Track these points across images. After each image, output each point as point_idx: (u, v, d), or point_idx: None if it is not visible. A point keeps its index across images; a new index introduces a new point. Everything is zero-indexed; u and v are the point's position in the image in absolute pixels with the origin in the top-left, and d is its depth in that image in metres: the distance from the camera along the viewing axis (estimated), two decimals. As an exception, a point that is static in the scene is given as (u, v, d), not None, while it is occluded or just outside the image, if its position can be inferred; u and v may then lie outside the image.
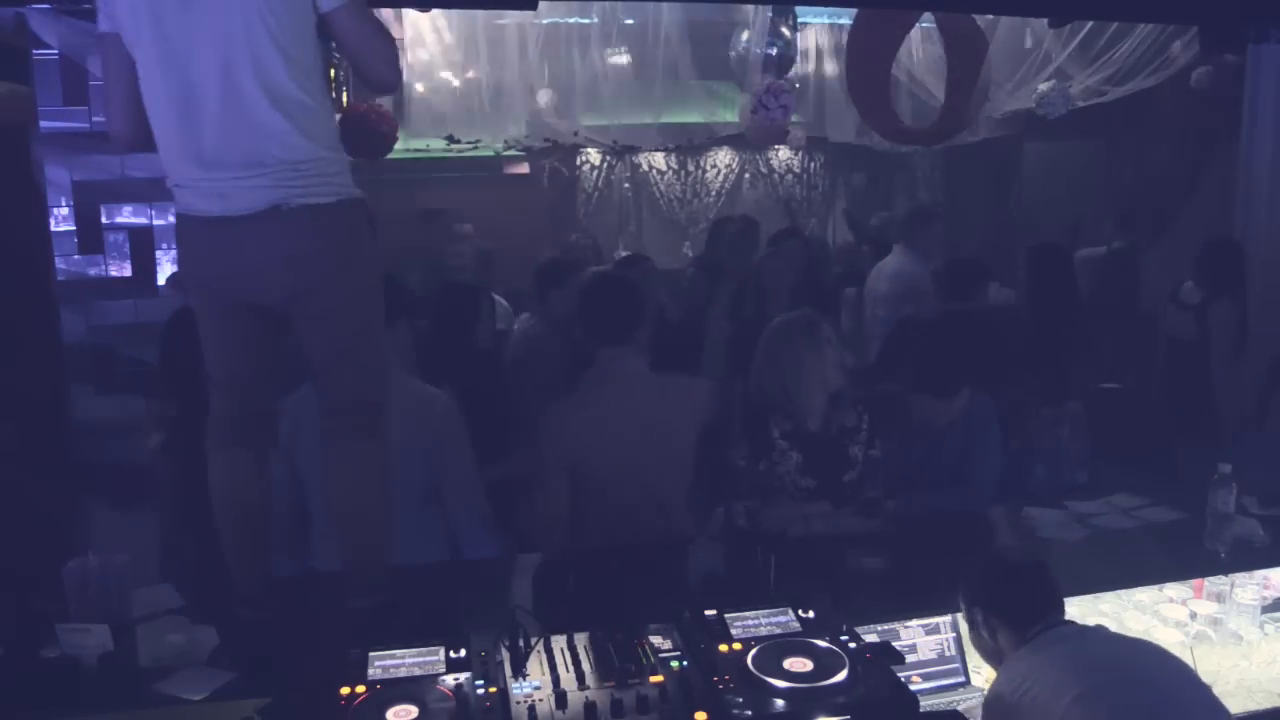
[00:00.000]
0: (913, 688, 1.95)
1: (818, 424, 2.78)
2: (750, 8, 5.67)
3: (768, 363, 2.80)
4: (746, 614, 1.93)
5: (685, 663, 1.78)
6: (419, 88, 5.98)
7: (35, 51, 3.63)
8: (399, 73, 2.20)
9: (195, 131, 1.98)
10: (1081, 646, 1.91)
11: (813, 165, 9.31)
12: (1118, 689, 1.80)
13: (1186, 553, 2.64)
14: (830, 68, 6.77)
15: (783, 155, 9.19)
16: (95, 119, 3.68)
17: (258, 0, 1.92)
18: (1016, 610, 1.99)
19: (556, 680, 1.73)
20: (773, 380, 2.78)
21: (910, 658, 2.32)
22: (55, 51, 3.66)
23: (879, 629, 2.27)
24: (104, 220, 3.82)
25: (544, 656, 1.80)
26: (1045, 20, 5.25)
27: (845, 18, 6.00)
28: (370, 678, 1.74)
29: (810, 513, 2.72)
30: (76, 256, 3.81)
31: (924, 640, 2.41)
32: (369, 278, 2.17)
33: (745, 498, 2.74)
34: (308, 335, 2.15)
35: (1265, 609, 2.58)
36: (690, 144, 8.02)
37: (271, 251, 2.01)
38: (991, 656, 2.07)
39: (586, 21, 6.30)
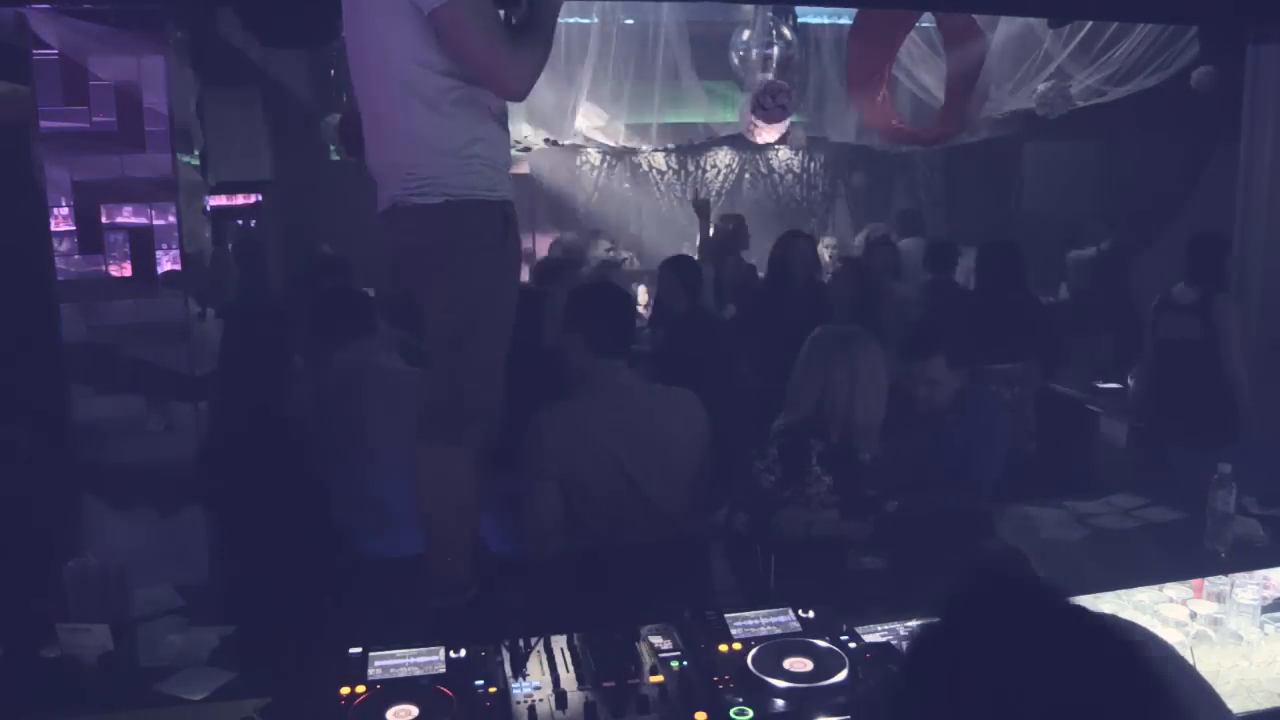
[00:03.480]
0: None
1: (872, 448, 2.71)
2: (750, 8, 5.67)
3: (817, 379, 2.71)
4: (746, 614, 1.93)
5: (685, 663, 1.78)
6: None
7: (35, 51, 3.63)
8: (523, 80, 2.06)
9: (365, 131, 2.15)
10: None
11: (813, 165, 9.31)
12: None
13: (1186, 553, 2.64)
14: (830, 68, 6.77)
15: (783, 155, 9.19)
16: (95, 119, 3.68)
17: (387, 5, 1.99)
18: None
19: (556, 680, 1.73)
20: (822, 397, 2.69)
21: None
22: (55, 51, 3.66)
23: (879, 629, 2.27)
24: (104, 220, 3.82)
25: (544, 656, 1.80)
26: (1045, 20, 5.26)
27: (845, 18, 6.01)
28: (370, 678, 1.74)
29: (813, 519, 2.71)
30: (76, 256, 3.81)
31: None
32: (477, 280, 2.09)
33: (755, 510, 2.72)
34: (428, 329, 2.18)
35: (1265, 609, 2.58)
36: (690, 144, 8.03)
37: (393, 247, 2.13)
38: None
39: (586, 21, 6.30)
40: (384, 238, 2.12)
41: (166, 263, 3.90)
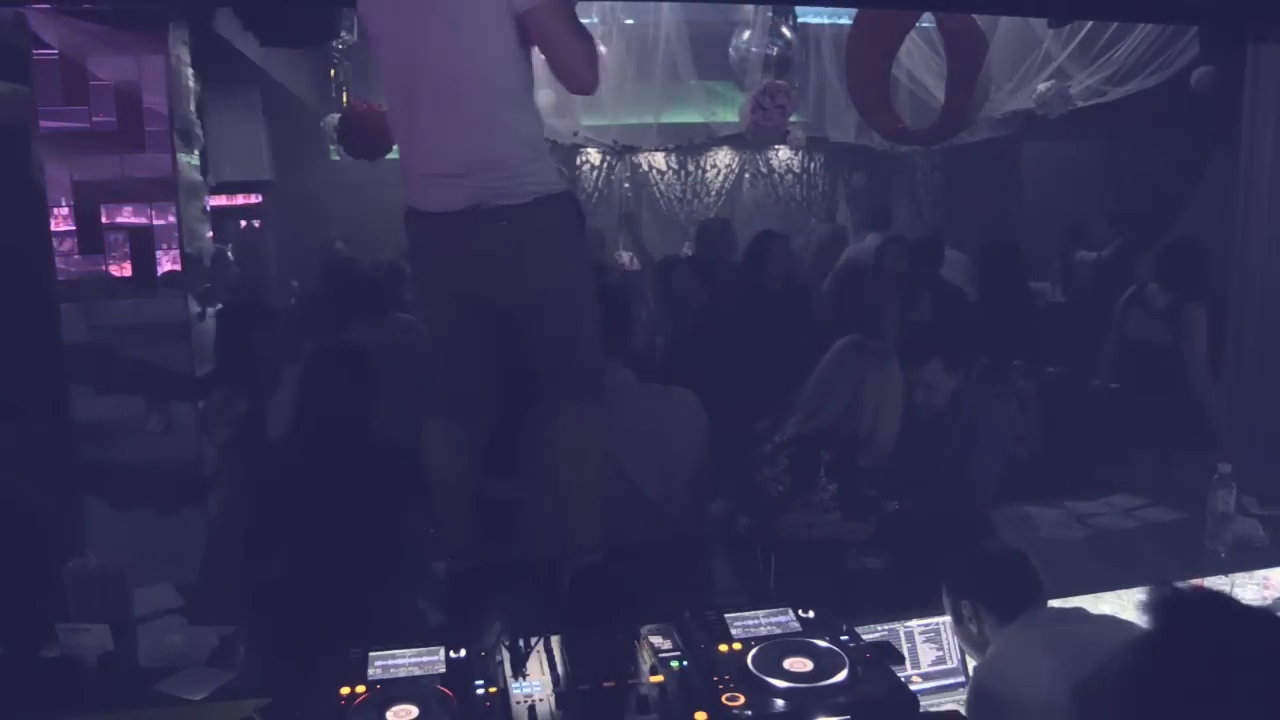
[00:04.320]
0: (913, 688, 1.95)
1: (881, 462, 2.70)
2: (750, 8, 5.67)
3: (846, 391, 2.69)
4: (746, 614, 1.92)
5: (685, 663, 1.78)
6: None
7: (35, 51, 3.63)
8: (597, 74, 2.19)
9: (417, 130, 2.09)
10: (1065, 630, 1.92)
11: (813, 165, 9.31)
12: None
13: (1186, 553, 2.64)
14: (830, 68, 6.77)
15: (783, 155, 9.20)
16: (95, 119, 3.68)
17: (471, 4, 2.00)
18: (1000, 599, 2.01)
19: (556, 680, 1.73)
20: (847, 411, 2.66)
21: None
22: (55, 51, 3.66)
23: (880, 629, 2.27)
24: (104, 220, 3.82)
25: (544, 656, 1.80)
26: (1045, 20, 5.25)
27: (845, 18, 6.00)
28: (370, 678, 1.74)
29: (815, 521, 2.71)
30: (76, 256, 3.81)
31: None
32: (572, 268, 2.22)
33: (758, 514, 2.72)
34: (524, 327, 2.22)
35: (1265, 609, 2.58)
36: (690, 144, 8.03)
37: (474, 247, 2.09)
38: (976, 647, 2.09)
39: (586, 21, 6.29)
40: (451, 239, 2.08)
41: (166, 263, 3.90)
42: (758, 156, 9.16)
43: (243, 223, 7.33)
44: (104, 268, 3.84)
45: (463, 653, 1.80)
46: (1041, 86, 5.84)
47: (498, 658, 1.78)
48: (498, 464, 2.59)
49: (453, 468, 2.32)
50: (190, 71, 4.13)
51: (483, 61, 2.02)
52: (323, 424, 2.68)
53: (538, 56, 2.11)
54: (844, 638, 1.82)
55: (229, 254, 5.16)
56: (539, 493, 2.57)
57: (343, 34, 4.87)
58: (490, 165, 2.04)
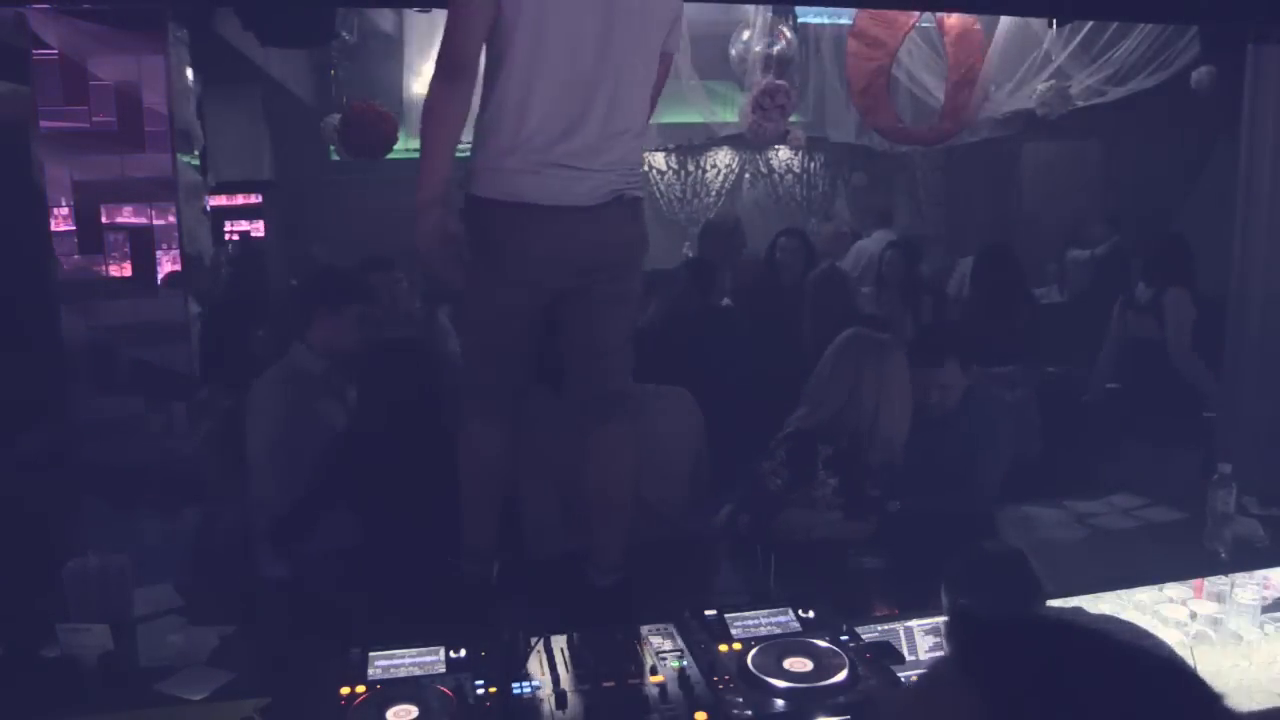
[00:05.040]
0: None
1: (894, 459, 2.69)
2: (750, 8, 5.67)
3: (845, 383, 2.68)
4: (746, 614, 1.93)
5: (685, 663, 1.78)
6: (419, 88, 5.98)
7: (35, 51, 3.63)
8: None
9: (565, 122, 2.04)
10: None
11: (813, 165, 9.31)
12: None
13: (1186, 553, 2.64)
14: (830, 68, 6.77)
15: (783, 155, 9.19)
16: (95, 119, 3.68)
17: (652, 15, 2.11)
18: (997, 597, 2.01)
19: (556, 680, 1.73)
20: (847, 403, 2.66)
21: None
22: (55, 51, 3.65)
23: (879, 629, 2.27)
24: (104, 220, 3.82)
25: (544, 656, 1.80)
26: (1045, 20, 5.25)
27: (845, 17, 6.00)
28: (370, 678, 1.74)
29: (815, 523, 2.70)
30: (76, 256, 3.81)
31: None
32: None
33: (758, 511, 2.71)
34: (602, 319, 2.20)
35: (1265, 609, 2.58)
36: (690, 144, 8.02)
37: (610, 237, 2.13)
38: None
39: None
40: (575, 230, 2.07)
41: (166, 263, 3.90)
42: (758, 156, 9.16)
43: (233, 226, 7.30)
44: (104, 268, 3.84)
45: (463, 653, 1.80)
46: (1041, 86, 5.83)
47: (498, 658, 1.78)
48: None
49: (493, 471, 2.30)
50: (190, 71, 4.13)
51: (649, 67, 2.16)
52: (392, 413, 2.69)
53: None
54: (844, 638, 1.82)
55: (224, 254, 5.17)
56: (559, 497, 2.57)
57: (343, 34, 4.87)
58: (633, 162, 2.16)
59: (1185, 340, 4.14)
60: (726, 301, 4.56)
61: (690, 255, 7.37)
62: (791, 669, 1.73)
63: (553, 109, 2.03)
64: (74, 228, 3.79)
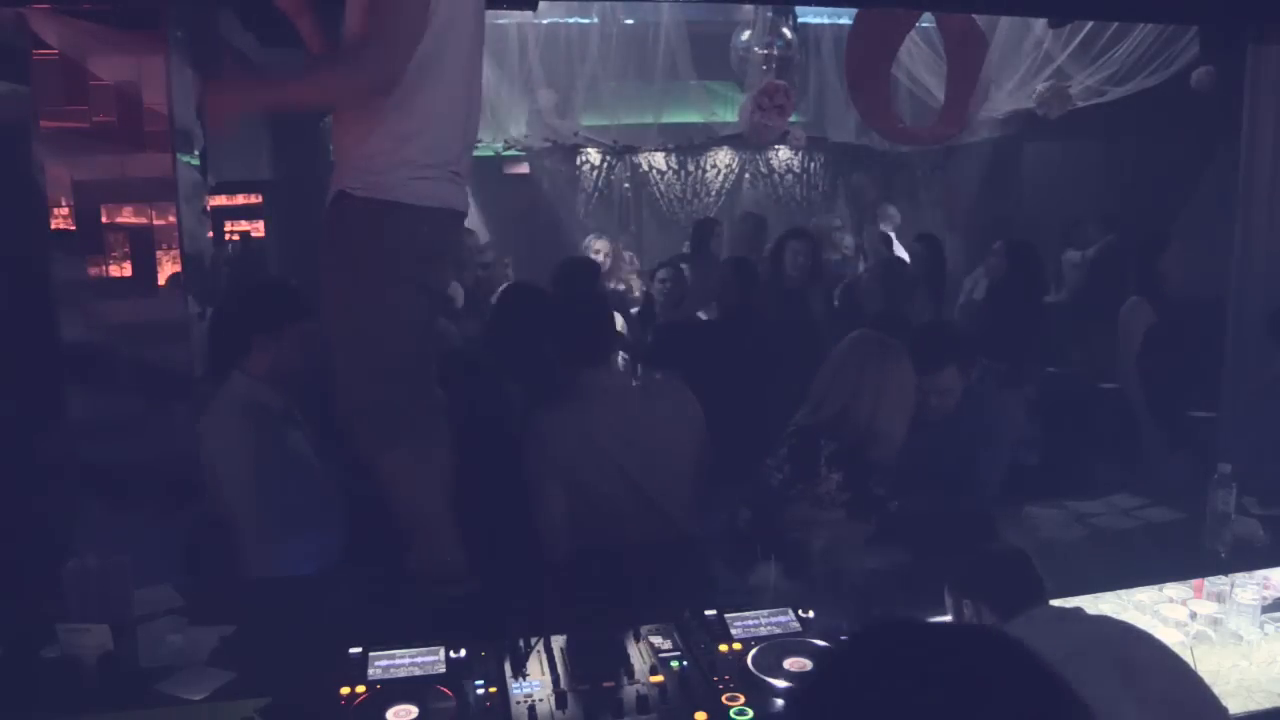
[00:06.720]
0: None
1: (893, 456, 2.70)
2: (750, 8, 5.67)
3: (847, 382, 2.68)
4: (746, 614, 1.93)
5: (685, 663, 1.78)
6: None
7: (35, 51, 3.63)
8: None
9: (462, 128, 2.22)
10: (1063, 629, 1.92)
11: (813, 165, 9.31)
12: (1099, 667, 1.80)
13: (1186, 553, 2.64)
14: (830, 68, 6.77)
15: (783, 155, 9.19)
16: (95, 119, 3.68)
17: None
18: (1000, 598, 2.01)
19: (556, 680, 1.73)
20: (849, 402, 2.66)
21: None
22: (55, 51, 3.66)
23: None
24: (104, 220, 3.82)
25: (544, 656, 1.80)
26: (1045, 20, 5.26)
27: (845, 18, 6.01)
28: (370, 678, 1.74)
29: (818, 518, 2.70)
30: (76, 256, 3.81)
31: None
32: None
33: (760, 507, 2.71)
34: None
35: (1265, 609, 2.58)
36: (690, 144, 8.03)
37: (467, 239, 2.32)
38: None
39: (586, 21, 6.30)
40: (450, 235, 2.24)
41: (166, 263, 3.90)
42: (758, 156, 9.15)
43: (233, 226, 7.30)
44: (104, 268, 3.84)
45: (463, 653, 1.80)
46: (1041, 86, 5.84)
47: (498, 658, 1.78)
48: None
49: (432, 492, 2.20)
50: (190, 71, 4.13)
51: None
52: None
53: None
54: (844, 638, 1.82)
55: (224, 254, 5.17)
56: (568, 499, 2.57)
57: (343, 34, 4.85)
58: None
59: (1131, 353, 4.27)
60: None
61: (686, 251, 7.38)
62: (791, 669, 1.73)
63: (450, 124, 2.18)
64: (74, 228, 3.80)
